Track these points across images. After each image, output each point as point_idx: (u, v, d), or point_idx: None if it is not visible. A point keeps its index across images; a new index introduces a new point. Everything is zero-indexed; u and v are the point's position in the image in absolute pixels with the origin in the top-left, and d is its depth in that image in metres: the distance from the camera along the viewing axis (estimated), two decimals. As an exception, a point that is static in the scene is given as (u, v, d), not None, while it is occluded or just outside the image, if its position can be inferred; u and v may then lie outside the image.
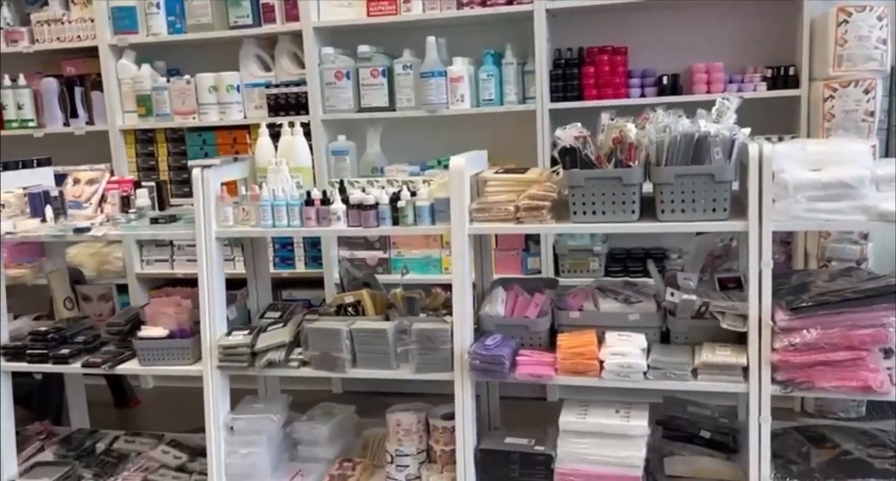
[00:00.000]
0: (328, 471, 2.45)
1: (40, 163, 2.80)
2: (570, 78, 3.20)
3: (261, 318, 2.60)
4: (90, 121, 3.70)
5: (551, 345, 2.25)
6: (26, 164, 2.73)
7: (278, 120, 3.41)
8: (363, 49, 3.34)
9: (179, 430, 2.94)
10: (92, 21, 3.54)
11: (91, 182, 2.83)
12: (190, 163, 2.37)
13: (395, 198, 2.27)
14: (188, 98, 3.53)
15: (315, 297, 3.66)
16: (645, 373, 2.08)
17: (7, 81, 3.70)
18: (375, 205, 2.26)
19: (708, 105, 2.15)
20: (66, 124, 3.71)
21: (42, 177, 2.79)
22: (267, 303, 2.75)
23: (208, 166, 2.37)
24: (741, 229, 2.03)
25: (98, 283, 3.02)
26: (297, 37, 3.43)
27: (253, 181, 2.58)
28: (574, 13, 3.22)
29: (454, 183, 2.18)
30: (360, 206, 2.27)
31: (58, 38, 3.60)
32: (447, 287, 3.39)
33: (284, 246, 3.57)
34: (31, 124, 3.73)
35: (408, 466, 2.36)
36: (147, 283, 3.76)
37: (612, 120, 2.15)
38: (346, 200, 2.31)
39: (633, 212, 2.07)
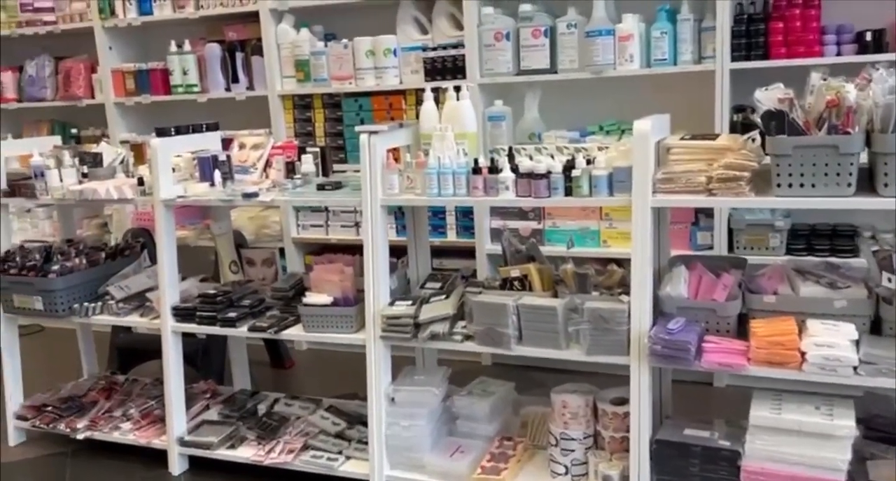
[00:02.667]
0: (489, 449, 2.37)
1: (209, 128, 2.83)
2: (754, 35, 2.90)
3: (421, 288, 2.53)
4: (250, 87, 3.74)
5: (739, 332, 2.05)
6: (195, 129, 2.77)
7: (434, 84, 3.34)
8: (524, 8, 3.17)
9: (333, 394, 2.96)
10: (254, -16, 3.56)
11: (256, 147, 2.85)
12: (357, 128, 2.31)
13: (568, 166, 2.11)
14: (345, 63, 3.49)
15: (466, 267, 3.57)
16: (855, 368, 1.84)
17: (173, 47, 3.81)
18: (547, 174, 2.11)
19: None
20: (228, 89, 3.78)
21: (210, 142, 2.82)
22: (426, 272, 2.68)
23: (375, 132, 2.30)
24: None
25: (261, 247, 3.06)
26: (456, -2, 3.30)
27: (417, 148, 2.50)
28: (762, -37, 2.91)
29: (638, 149, 2.00)
30: (531, 175, 2.13)
31: (221, 3, 3.65)
32: (605, 261, 3.29)
33: (436, 214, 3.49)
34: (195, 89, 3.82)
35: (573, 450, 2.24)
36: (302, 248, 3.81)
37: (825, 80, 1.89)
38: (515, 169, 2.17)
39: (849, 185, 1.82)
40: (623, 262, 3.23)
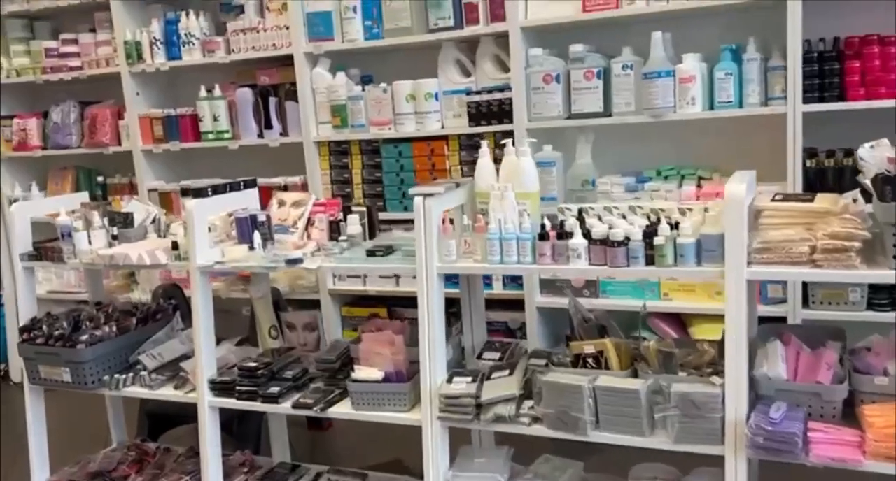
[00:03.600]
0: (560, 539, 2.15)
1: (246, 185, 2.66)
2: (827, 75, 2.69)
3: (479, 359, 2.33)
4: (284, 132, 3.58)
5: (845, 417, 1.82)
6: (233, 187, 2.60)
7: (479, 129, 3.17)
8: (575, 49, 2.99)
9: (377, 462, 2.76)
10: (287, 28, 3.40)
11: (297, 204, 2.67)
12: (412, 190, 2.12)
13: (649, 231, 1.91)
14: (384, 107, 3.32)
15: (513, 320, 3.39)
16: None
17: (203, 92, 3.66)
18: (625, 241, 1.91)
19: None
20: (261, 135, 3.62)
21: (248, 200, 2.65)
22: (482, 338, 2.48)
23: (430, 195, 2.11)
24: None
25: (302, 311, 2.87)
26: (501, 38, 3.13)
27: (473, 207, 2.31)
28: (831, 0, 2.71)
29: (731, 214, 1.79)
30: (607, 242, 1.93)
31: (253, 47, 3.50)
32: (667, 316, 3.07)
33: (482, 264, 3.29)
34: (226, 136, 3.67)
35: (656, 545, 2.01)
36: (339, 299, 3.62)
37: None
38: (587, 234, 1.97)
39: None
40: (685, 316, 3.06)
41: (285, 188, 3.59)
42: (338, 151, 3.50)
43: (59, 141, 4.04)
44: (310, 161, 3.51)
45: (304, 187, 3.56)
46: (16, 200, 4.22)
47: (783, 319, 2.76)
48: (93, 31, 3.96)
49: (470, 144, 3.24)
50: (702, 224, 1.90)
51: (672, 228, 1.90)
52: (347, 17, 3.30)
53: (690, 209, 2.02)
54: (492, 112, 3.15)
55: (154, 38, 3.67)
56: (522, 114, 3.08)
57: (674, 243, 1.87)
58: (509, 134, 3.13)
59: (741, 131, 2.92)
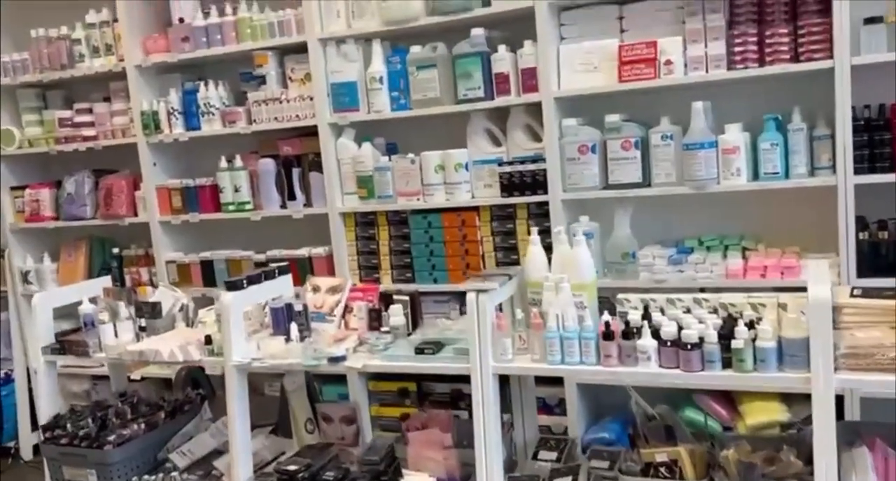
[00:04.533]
0: None
1: (281, 272, 2.55)
2: (877, 145, 2.62)
3: (534, 460, 2.21)
4: (308, 203, 3.48)
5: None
6: (267, 276, 2.49)
7: (512, 200, 3.08)
8: (611, 119, 2.91)
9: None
10: (311, 99, 3.32)
11: (333, 290, 2.57)
12: (463, 286, 2.03)
13: (725, 333, 1.80)
14: (412, 178, 3.23)
15: (550, 396, 3.25)
16: None
17: (224, 163, 3.57)
18: (700, 343, 1.80)
19: None
20: (283, 206, 3.52)
21: (281, 287, 2.54)
22: (534, 434, 2.36)
23: (484, 291, 2.01)
24: None
25: (340, 403, 2.75)
26: (531, 107, 3.05)
27: (523, 298, 2.20)
28: (876, 67, 2.63)
29: (816, 319, 1.69)
30: (679, 344, 1.82)
31: (275, 118, 3.42)
32: (716, 392, 2.94)
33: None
34: (247, 207, 3.57)
35: None
36: (365, 373, 3.49)
37: None
38: (655, 333, 1.87)
39: None
40: (735, 393, 2.93)
41: (310, 260, 3.49)
42: (364, 222, 3.40)
43: (73, 212, 3.93)
44: (335, 232, 3.41)
45: (329, 258, 3.46)
46: (28, 272, 4.12)
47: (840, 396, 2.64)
48: (107, 100, 3.88)
49: (502, 215, 3.15)
50: (779, 322, 1.79)
51: (750, 327, 1.80)
52: (374, 88, 3.22)
53: (763, 304, 1.92)
54: (525, 183, 3.06)
55: (172, 108, 3.59)
56: (557, 184, 2.99)
57: (753, 347, 1.77)
58: (543, 205, 3.04)
59: (785, 200, 2.83)
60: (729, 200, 2.89)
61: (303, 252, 3.50)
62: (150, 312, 2.59)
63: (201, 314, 2.71)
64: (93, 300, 2.73)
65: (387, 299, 2.41)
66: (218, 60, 3.59)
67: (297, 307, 2.43)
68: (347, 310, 2.52)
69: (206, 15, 3.49)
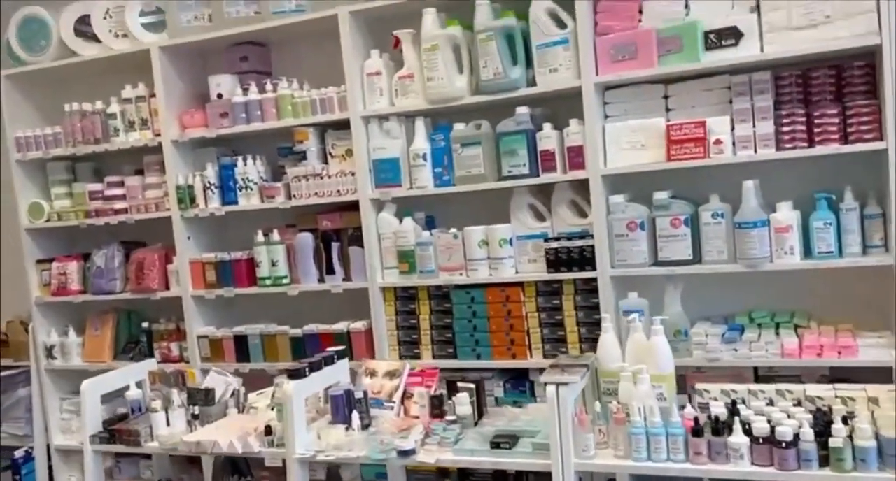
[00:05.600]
0: None
1: (339, 356, 2.51)
2: (930, 223, 2.64)
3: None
4: (347, 278, 3.45)
5: None
6: (327, 361, 2.44)
7: (559, 276, 3.07)
8: (659, 196, 2.93)
9: None
10: (352, 175, 3.33)
11: (390, 375, 2.53)
12: (543, 378, 1.99)
13: (822, 430, 1.77)
14: (455, 253, 3.22)
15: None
16: None
17: (260, 237, 3.55)
18: (794, 440, 1.77)
19: None
20: (321, 280, 3.49)
21: (339, 372, 2.49)
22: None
23: (564, 384, 1.97)
24: None
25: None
26: (575, 182, 3.07)
27: (594, 385, 2.17)
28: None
29: (917, 420, 1.66)
30: (773, 441, 1.79)
31: (316, 193, 3.41)
32: None
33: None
34: (284, 281, 3.53)
35: None
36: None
37: None
38: (747, 429, 1.83)
39: None
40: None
41: (348, 335, 3.44)
42: (404, 297, 3.37)
43: (101, 286, 3.88)
44: (374, 307, 3.37)
45: (368, 333, 3.41)
46: (52, 347, 4.04)
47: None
48: (138, 173, 3.87)
49: (548, 291, 3.13)
50: (872, 417, 1.76)
51: (845, 422, 1.77)
52: (417, 164, 3.23)
53: (852, 398, 1.89)
54: (572, 259, 3.05)
55: (209, 182, 3.58)
56: (605, 261, 2.99)
57: (852, 444, 1.73)
58: (590, 281, 3.03)
59: (836, 277, 2.84)
60: (779, 276, 2.89)
61: (341, 327, 3.46)
62: (203, 399, 2.53)
63: (251, 398, 2.65)
64: (139, 384, 2.67)
65: (452, 388, 2.36)
66: (254, 135, 3.59)
67: (358, 394, 2.38)
68: (406, 395, 2.47)
69: (246, 91, 3.51)
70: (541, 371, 3.11)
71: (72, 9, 3.78)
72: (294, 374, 2.30)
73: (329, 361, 2.44)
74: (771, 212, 2.77)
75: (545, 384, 1.98)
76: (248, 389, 2.75)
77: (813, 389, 1.99)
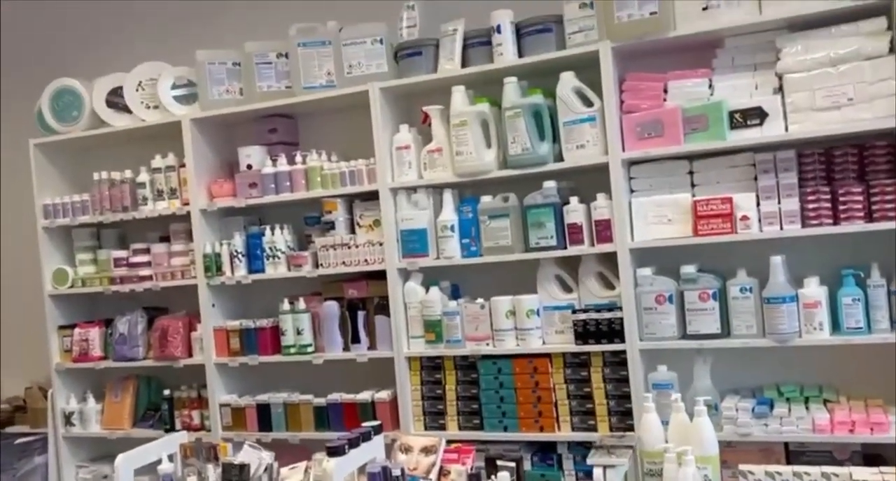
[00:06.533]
0: None
1: (375, 431, 2.50)
2: (957, 300, 2.68)
3: None
4: (372, 347, 3.47)
5: None
6: (365, 437, 2.44)
7: (587, 348, 3.09)
8: (687, 270, 2.97)
9: None
10: (380, 245, 3.37)
11: (426, 451, 2.51)
12: (590, 460, 1.99)
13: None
14: (482, 323, 3.25)
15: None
16: None
17: (286, 305, 3.57)
18: (846, 528, 1.77)
19: None
20: (346, 349, 3.50)
21: (375, 449, 2.48)
22: None
23: (612, 466, 1.98)
24: None
25: None
26: (602, 255, 3.11)
27: (638, 468, 2.17)
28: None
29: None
30: (824, 528, 1.79)
31: (343, 263, 3.45)
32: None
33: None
34: (309, 350, 3.54)
35: None
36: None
37: None
38: (795, 514, 1.84)
39: None
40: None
41: (373, 405, 3.43)
42: (430, 367, 3.38)
43: (124, 353, 3.88)
44: (400, 376, 3.37)
45: (393, 402, 3.41)
46: (71, 413, 4.02)
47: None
48: (163, 240, 3.92)
49: (576, 362, 3.14)
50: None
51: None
52: (444, 235, 3.28)
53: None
54: (600, 331, 3.07)
55: (236, 250, 3.62)
56: (634, 333, 3.01)
57: (904, 534, 1.74)
58: (619, 353, 3.05)
59: (865, 352, 2.86)
60: (807, 350, 2.91)
61: (365, 396, 3.46)
62: (237, 475, 2.50)
63: (283, 473, 2.63)
64: (170, 457, 2.65)
65: (491, 467, 2.35)
66: (280, 204, 3.65)
67: (396, 472, 2.36)
68: (443, 472, 2.45)
69: (275, 162, 3.58)
70: (569, 445, 3.18)
71: (105, 80, 3.88)
72: (334, 451, 2.29)
73: (366, 437, 2.43)
74: (798, 287, 2.81)
75: (592, 466, 1.98)
76: (272, 460, 2.73)
77: (859, 472, 2.00)
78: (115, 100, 3.86)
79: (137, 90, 3.81)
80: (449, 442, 2.50)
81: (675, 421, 2.14)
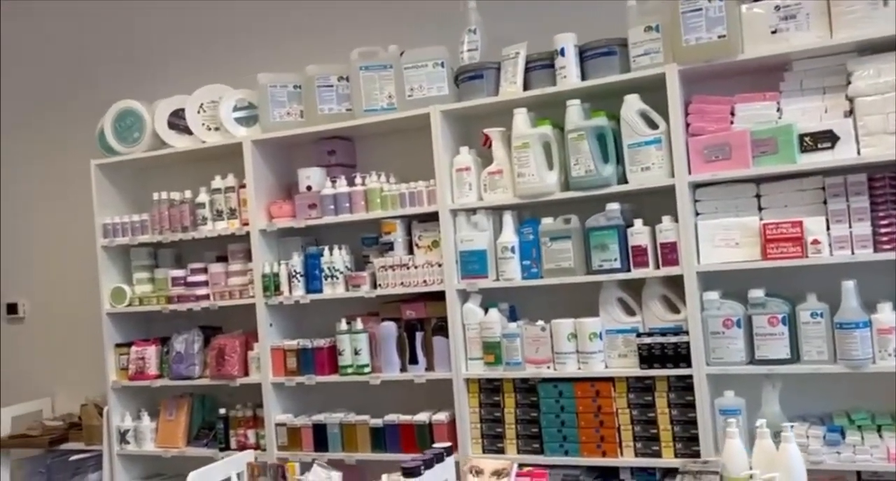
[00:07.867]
0: None
1: (447, 453, 2.49)
2: None
3: None
4: (430, 367, 3.46)
5: None
6: (438, 459, 2.43)
7: (652, 372, 3.05)
8: (755, 294, 2.93)
9: None
10: (439, 266, 3.38)
11: (497, 474, 2.50)
12: (677, 488, 1.98)
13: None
14: (543, 346, 3.23)
15: None
16: None
17: (343, 325, 3.58)
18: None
19: None
20: (404, 370, 3.50)
21: (446, 470, 2.47)
22: None
23: (699, 493, 1.95)
24: None
25: None
26: (666, 278, 3.09)
27: (723, 495, 2.13)
28: None
29: None
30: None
31: (402, 283, 3.46)
32: None
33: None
34: (366, 370, 3.54)
35: None
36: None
37: None
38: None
39: None
40: None
41: (430, 427, 3.42)
42: (488, 389, 3.36)
43: (180, 371, 3.91)
44: (458, 398, 3.36)
45: (451, 424, 3.39)
46: (126, 431, 4.04)
47: None
48: (220, 259, 3.96)
49: (640, 387, 3.10)
50: None
51: None
52: (504, 257, 3.28)
53: None
54: (666, 355, 3.04)
55: (294, 270, 3.65)
56: (701, 358, 2.97)
57: None
58: (685, 378, 3.01)
59: (942, 379, 2.80)
60: (879, 376, 2.85)
61: (422, 418, 3.44)
62: (308, 496, 2.51)
63: (350, 494, 2.62)
64: (238, 476, 2.66)
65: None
66: (338, 225, 3.67)
67: (469, 496, 2.35)
68: (516, 497, 2.44)
69: (334, 183, 3.61)
70: (632, 471, 3.13)
71: (167, 102, 3.95)
72: (409, 473, 2.29)
73: (440, 458, 2.43)
74: (870, 312, 2.77)
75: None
76: None
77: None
78: (177, 121, 3.93)
79: (199, 112, 3.87)
80: (520, 465, 2.48)
81: (759, 447, 2.11)
